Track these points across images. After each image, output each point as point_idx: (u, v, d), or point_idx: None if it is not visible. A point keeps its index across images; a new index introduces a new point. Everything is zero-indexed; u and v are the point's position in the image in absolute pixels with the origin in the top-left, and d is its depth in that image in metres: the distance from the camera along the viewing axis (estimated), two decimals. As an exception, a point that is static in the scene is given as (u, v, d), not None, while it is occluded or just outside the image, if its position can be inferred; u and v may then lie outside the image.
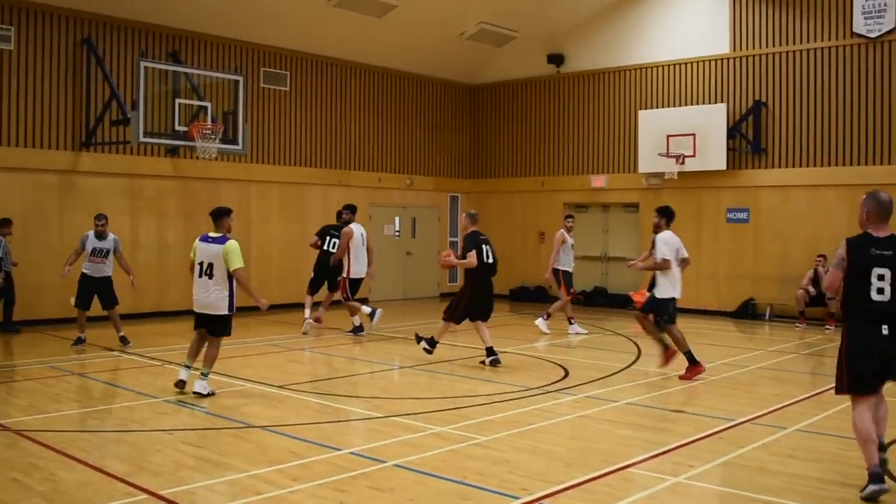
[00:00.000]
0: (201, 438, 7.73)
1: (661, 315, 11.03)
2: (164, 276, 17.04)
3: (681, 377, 10.83)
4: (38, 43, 15.52)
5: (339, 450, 7.17)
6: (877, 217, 6.38)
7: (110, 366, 11.53)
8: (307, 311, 15.13)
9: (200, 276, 9.41)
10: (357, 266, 14.50)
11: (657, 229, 11.22)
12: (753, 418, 8.61)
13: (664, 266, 10.85)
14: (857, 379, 6.26)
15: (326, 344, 13.95)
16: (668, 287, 10.94)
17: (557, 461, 6.89)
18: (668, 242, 10.97)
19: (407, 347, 13.29)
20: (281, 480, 6.29)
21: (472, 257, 11.68)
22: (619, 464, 6.83)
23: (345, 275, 14.51)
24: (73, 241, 13.76)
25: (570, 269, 15.39)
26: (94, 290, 13.01)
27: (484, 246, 11.85)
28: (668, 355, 11.15)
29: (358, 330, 14.67)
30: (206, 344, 9.66)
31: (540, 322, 15.35)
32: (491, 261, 11.91)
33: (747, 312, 18.18)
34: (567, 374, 11.09)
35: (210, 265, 9.34)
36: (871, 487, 6.02)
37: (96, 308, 13.32)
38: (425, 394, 9.86)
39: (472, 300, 11.90)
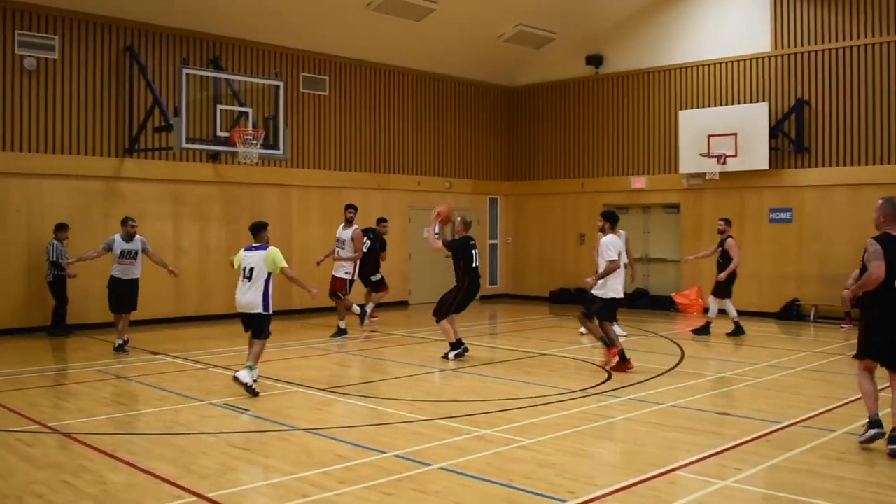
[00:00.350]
0: (247, 441, 7.79)
1: (590, 308, 11.74)
2: (205, 281, 17.21)
3: (611, 367, 11.47)
4: (81, 52, 15.75)
5: (383, 452, 7.18)
6: (893, 219, 7.53)
7: (155, 369, 11.63)
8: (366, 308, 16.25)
9: (242, 278, 10.11)
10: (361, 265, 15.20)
11: (601, 232, 11.85)
12: (801, 421, 8.50)
13: (615, 267, 11.37)
14: (868, 349, 7.43)
15: (369, 346, 14.00)
16: (609, 287, 11.54)
17: (604, 464, 6.86)
18: (614, 245, 11.52)
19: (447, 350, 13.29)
20: (327, 483, 6.31)
21: (438, 244, 12.59)
22: (666, 467, 6.77)
23: (351, 276, 15.02)
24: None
25: None
26: (121, 291, 13.00)
27: (473, 251, 12.44)
28: (610, 354, 11.59)
29: (341, 333, 14.80)
30: (253, 346, 10.10)
31: (616, 329, 15.26)
32: (478, 264, 12.55)
33: (791, 313, 17.95)
34: (610, 376, 11.02)
35: (251, 269, 10.00)
36: (871, 431, 7.32)
37: (139, 313, 13.48)
38: (468, 396, 9.85)
39: (464, 300, 12.51)
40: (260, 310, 9.97)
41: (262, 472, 6.77)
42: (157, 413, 8.97)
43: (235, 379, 9.72)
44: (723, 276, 14.97)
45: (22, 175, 14.97)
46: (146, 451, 7.34)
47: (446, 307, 12.48)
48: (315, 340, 14.46)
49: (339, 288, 14.94)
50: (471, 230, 12.99)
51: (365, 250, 15.41)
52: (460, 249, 12.49)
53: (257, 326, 10.06)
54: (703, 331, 15.15)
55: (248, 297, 9.95)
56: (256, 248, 10.10)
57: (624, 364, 11.36)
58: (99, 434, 7.95)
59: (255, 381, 9.78)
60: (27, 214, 15.03)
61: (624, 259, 11.80)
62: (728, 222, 15.43)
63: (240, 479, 6.54)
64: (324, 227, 19.00)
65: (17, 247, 14.91)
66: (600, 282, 11.51)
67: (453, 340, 12.44)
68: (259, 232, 10.28)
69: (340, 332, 14.75)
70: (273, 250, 10.03)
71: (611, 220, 11.84)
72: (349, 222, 15.12)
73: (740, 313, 17.89)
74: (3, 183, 14.77)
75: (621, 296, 11.72)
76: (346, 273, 14.95)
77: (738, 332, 15.05)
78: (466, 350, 12.54)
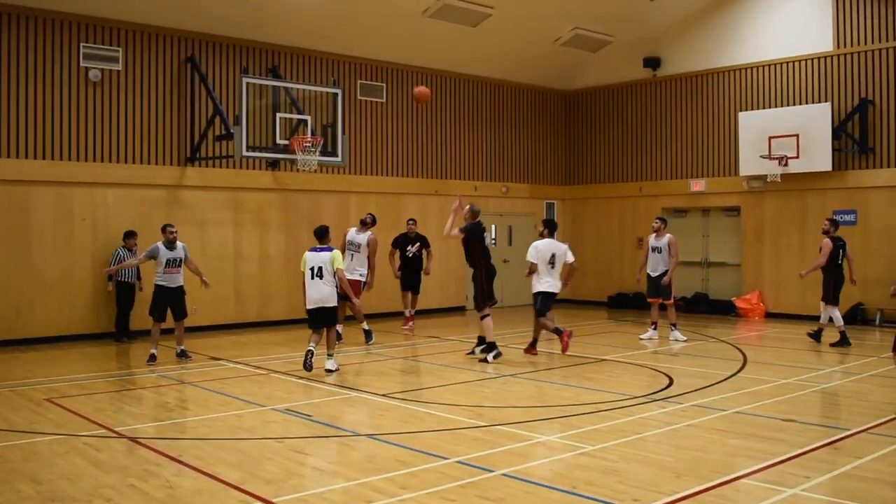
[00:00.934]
0: (310, 446, 7.86)
1: (535, 305, 13.13)
2: (266, 287, 17.40)
3: (525, 350, 13.32)
4: (144, 63, 16.05)
5: (445, 458, 7.18)
6: None
7: (216, 375, 11.78)
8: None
9: (312, 278, 11.64)
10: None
11: (541, 236, 13.31)
12: (869, 428, 8.32)
13: (533, 269, 12.93)
14: None
15: (427, 352, 14.01)
16: (535, 284, 12.98)
17: (668, 471, 6.77)
18: (537, 248, 12.98)
19: (506, 355, 13.26)
20: (390, 489, 6.33)
21: (455, 232, 12.93)
22: (731, 474, 6.68)
23: (366, 279, 14.94)
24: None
25: (650, 273, 15.18)
26: (169, 301, 12.91)
27: (484, 234, 13.22)
28: (562, 341, 13.01)
29: (369, 335, 14.81)
30: (329, 335, 11.87)
31: (675, 334, 15.07)
32: (487, 247, 13.31)
33: (856, 318, 17.57)
34: (671, 382, 10.90)
35: (320, 268, 11.64)
36: None
37: (200, 319, 13.58)
38: (528, 402, 9.82)
39: (487, 282, 13.02)
40: (334, 303, 11.77)
41: (325, 477, 6.82)
42: (220, 418, 9.07)
43: (327, 371, 11.61)
44: (804, 272, 14.69)
45: (87, 184, 15.30)
46: (211, 455, 7.41)
47: (480, 299, 12.97)
48: (373, 346, 14.51)
49: (354, 292, 14.77)
50: (465, 218, 13.28)
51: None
52: (474, 233, 12.99)
53: (332, 317, 11.82)
54: (842, 342, 14.18)
55: (325, 293, 11.62)
56: (322, 250, 11.75)
57: (531, 349, 13.26)
58: (164, 439, 8.08)
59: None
60: (92, 223, 15.35)
61: (568, 259, 13.19)
62: (833, 223, 14.70)
63: (304, 484, 6.59)
64: (382, 233, 18.99)
65: (82, 255, 15.24)
66: (541, 279, 12.91)
67: (492, 339, 12.81)
68: (324, 236, 11.99)
69: (368, 335, 14.75)
70: (336, 253, 11.78)
71: (550, 227, 13.42)
72: (364, 225, 15.13)
73: (804, 317, 17.59)
74: (69, 192, 15.12)
75: (546, 290, 12.95)
76: (361, 275, 14.80)
77: (816, 336, 14.58)
78: (496, 355, 12.77)
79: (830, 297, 14.42)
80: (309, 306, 11.71)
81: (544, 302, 13.00)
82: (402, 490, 6.30)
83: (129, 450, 7.71)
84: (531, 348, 13.30)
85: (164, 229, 13.00)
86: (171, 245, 12.89)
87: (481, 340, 13.03)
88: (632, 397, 9.90)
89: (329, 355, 11.81)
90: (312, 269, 11.64)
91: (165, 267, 12.81)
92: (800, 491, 6.28)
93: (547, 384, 11.02)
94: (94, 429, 8.46)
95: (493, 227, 21.86)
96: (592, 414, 9.01)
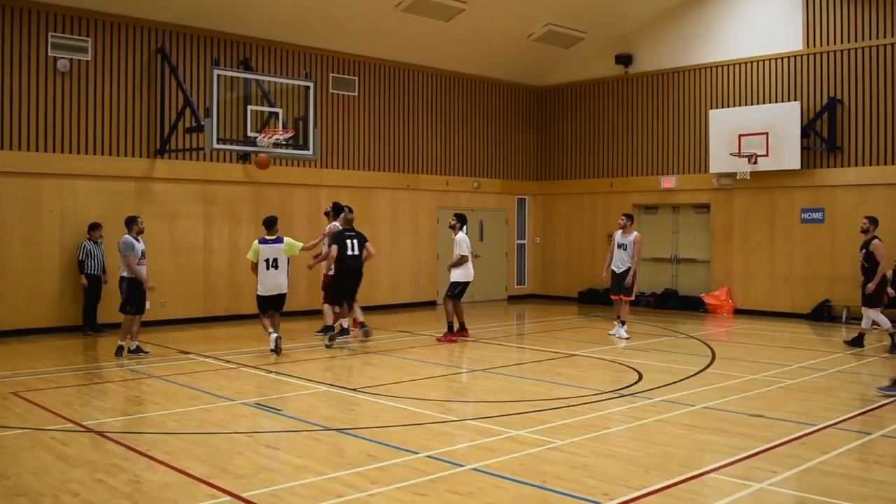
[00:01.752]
0: (280, 441, 7.83)
1: (450, 291, 14.53)
2: (236, 280, 17.27)
3: (437, 339, 14.46)
4: (114, 53, 15.88)
5: (416, 453, 7.18)
6: None
7: (186, 369, 11.70)
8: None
9: (268, 268, 12.64)
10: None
11: (454, 231, 14.72)
12: (836, 423, 8.41)
13: (465, 261, 14.44)
14: None
15: (397, 347, 13.99)
16: (460, 273, 14.48)
17: (637, 466, 6.81)
18: (466, 242, 14.54)
19: (477, 351, 13.30)
20: (360, 483, 6.32)
21: (333, 251, 13.56)
22: (700, 469, 6.73)
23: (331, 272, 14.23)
24: (148, 246, 14.06)
25: (615, 269, 15.12)
26: (142, 292, 12.63)
27: (348, 241, 13.70)
28: (445, 338, 14.38)
29: (343, 333, 14.18)
30: (274, 317, 12.84)
31: (620, 331, 14.92)
32: (355, 252, 13.74)
33: (823, 314, 17.77)
34: (641, 377, 10.96)
35: (275, 259, 12.64)
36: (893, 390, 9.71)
37: (169, 312, 13.43)
38: (499, 397, 9.83)
39: (339, 283, 13.79)
40: (286, 290, 12.91)
41: (295, 471, 6.78)
42: (189, 412, 9.00)
43: (278, 346, 12.55)
44: (871, 285, 13.36)
45: (55, 176, 15.12)
46: (180, 450, 7.36)
47: (330, 294, 13.98)
48: (344, 340, 14.44)
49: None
50: (354, 223, 14.23)
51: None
52: (335, 239, 13.66)
53: (283, 302, 12.94)
54: (857, 342, 13.79)
55: (279, 281, 12.70)
56: (274, 241, 12.70)
57: (448, 335, 14.37)
58: (132, 433, 8.02)
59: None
60: (61, 215, 15.18)
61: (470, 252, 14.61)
62: (874, 221, 13.74)
63: (273, 478, 6.56)
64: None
65: (50, 247, 15.07)
66: (454, 270, 14.45)
67: (330, 323, 13.88)
68: (274, 226, 12.83)
69: (342, 332, 14.29)
70: (288, 240, 12.86)
71: (462, 221, 14.77)
72: (326, 216, 15.04)
73: (772, 314, 17.75)
74: (36, 184, 14.93)
75: (471, 279, 14.66)
76: (331, 270, 14.33)
77: (857, 342, 13.85)
78: (332, 337, 13.66)
79: (874, 299, 13.46)
80: (264, 293, 12.73)
81: (464, 290, 14.61)
82: (372, 484, 6.29)
83: (97, 444, 7.63)
84: (450, 334, 14.42)
85: (134, 220, 12.64)
86: (138, 237, 12.62)
87: (327, 329, 13.88)
88: (601, 392, 9.95)
89: (279, 335, 12.73)
90: (268, 260, 12.61)
91: (141, 258, 12.54)
92: (767, 485, 6.35)
93: (517, 379, 11.04)
94: (61, 423, 8.37)
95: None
96: (562, 409, 9.04)
